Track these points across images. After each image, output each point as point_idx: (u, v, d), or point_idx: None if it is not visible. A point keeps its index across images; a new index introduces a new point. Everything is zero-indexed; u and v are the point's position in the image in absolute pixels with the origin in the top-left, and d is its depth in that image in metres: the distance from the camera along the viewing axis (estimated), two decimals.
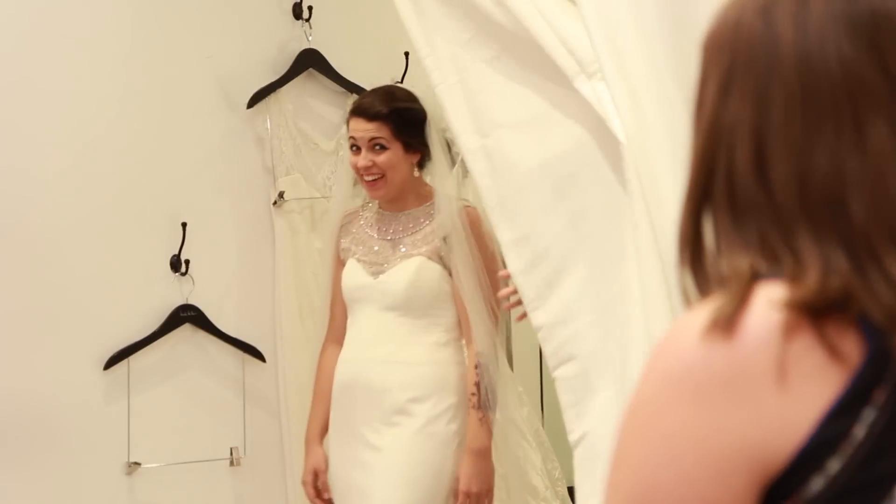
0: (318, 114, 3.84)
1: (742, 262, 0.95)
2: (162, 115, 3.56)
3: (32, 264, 3.34)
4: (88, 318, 3.42)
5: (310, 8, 3.75)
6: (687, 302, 1.00)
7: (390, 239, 3.32)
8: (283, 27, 3.75)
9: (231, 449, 3.59)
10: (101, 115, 3.46)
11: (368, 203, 3.42)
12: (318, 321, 3.68)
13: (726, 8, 1.01)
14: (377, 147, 3.25)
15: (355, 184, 3.41)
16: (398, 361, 3.23)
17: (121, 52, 3.46)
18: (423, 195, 3.34)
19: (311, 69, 3.77)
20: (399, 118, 3.26)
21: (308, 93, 3.81)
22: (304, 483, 3.34)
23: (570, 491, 3.12)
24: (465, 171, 3.35)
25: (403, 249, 3.29)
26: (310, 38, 3.75)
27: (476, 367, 3.18)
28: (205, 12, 3.64)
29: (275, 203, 3.68)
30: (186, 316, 3.53)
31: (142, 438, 3.48)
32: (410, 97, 3.32)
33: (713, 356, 0.92)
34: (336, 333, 3.41)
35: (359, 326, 3.31)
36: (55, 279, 3.38)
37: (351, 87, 3.80)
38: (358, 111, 3.29)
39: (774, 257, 0.95)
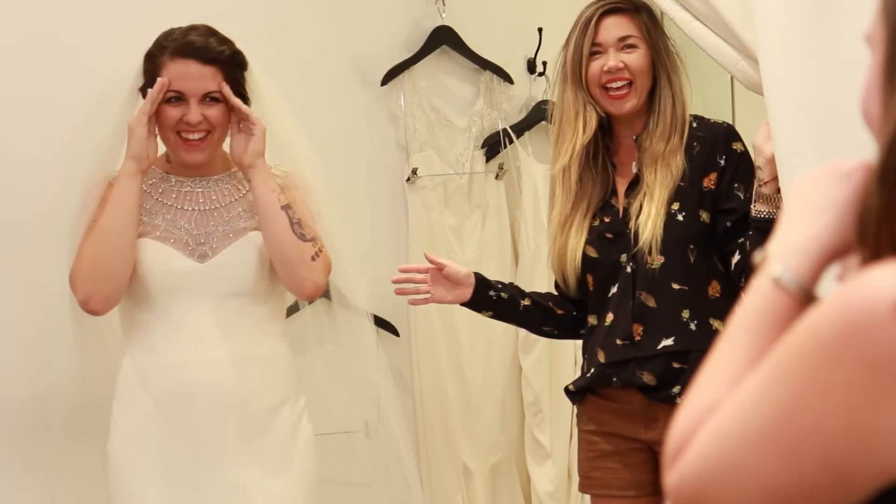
0: (451, 91, 3.86)
1: None
2: (297, 94, 3.61)
3: None
4: None
5: None
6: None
7: (205, 210, 2.69)
8: (416, 5, 3.77)
9: (366, 421, 3.63)
10: None
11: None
12: None
13: None
14: (209, 98, 2.61)
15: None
16: (252, 359, 2.66)
17: (258, 32, 3.51)
18: (227, 158, 2.72)
19: (444, 46, 3.79)
20: (235, 63, 2.64)
21: (441, 70, 3.83)
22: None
23: None
24: None
25: (233, 223, 2.68)
26: (443, 16, 3.76)
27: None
28: None
29: (408, 180, 3.71)
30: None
31: None
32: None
33: None
34: None
35: (185, 321, 2.63)
36: None
37: (484, 63, 3.82)
38: (187, 51, 2.58)
39: None
